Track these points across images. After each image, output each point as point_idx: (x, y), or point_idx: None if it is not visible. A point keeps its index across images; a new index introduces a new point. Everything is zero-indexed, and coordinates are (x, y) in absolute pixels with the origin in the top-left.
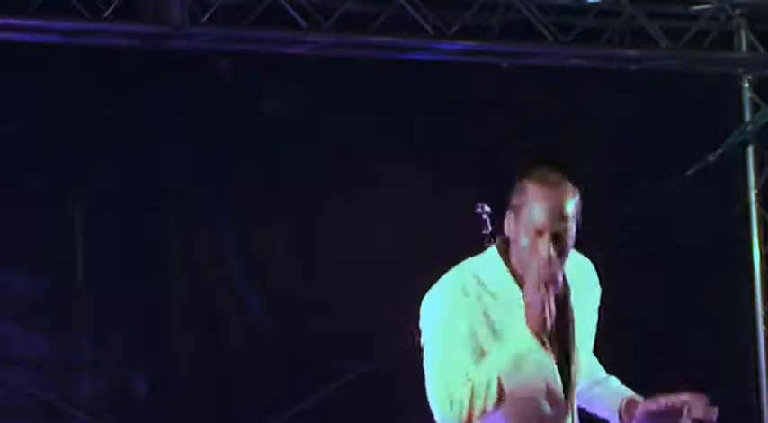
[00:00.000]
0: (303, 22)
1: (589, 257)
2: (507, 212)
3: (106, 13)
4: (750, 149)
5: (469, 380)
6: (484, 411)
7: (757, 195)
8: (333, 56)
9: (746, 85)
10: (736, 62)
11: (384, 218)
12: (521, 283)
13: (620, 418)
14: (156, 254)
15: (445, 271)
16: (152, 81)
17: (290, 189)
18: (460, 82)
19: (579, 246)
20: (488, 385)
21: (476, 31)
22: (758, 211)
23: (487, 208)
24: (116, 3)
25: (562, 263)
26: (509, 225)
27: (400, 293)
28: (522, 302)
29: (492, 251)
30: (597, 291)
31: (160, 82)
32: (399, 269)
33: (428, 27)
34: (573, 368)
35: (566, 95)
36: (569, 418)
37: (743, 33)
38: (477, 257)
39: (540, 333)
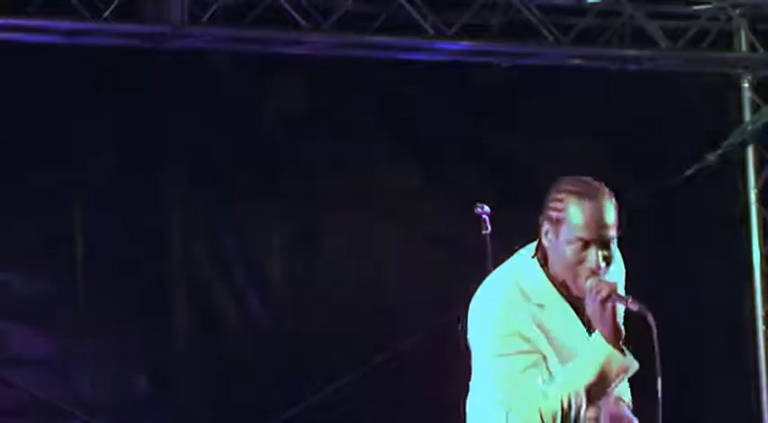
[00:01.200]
0: (303, 22)
1: None
2: (544, 224)
3: (106, 14)
4: (750, 149)
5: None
6: None
7: (757, 195)
8: (333, 56)
9: (746, 85)
10: (736, 62)
11: (384, 218)
12: (563, 294)
13: None
14: (157, 254)
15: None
16: (152, 81)
17: (290, 189)
18: (460, 82)
19: None
20: (576, 396)
21: (476, 31)
22: (758, 211)
23: (487, 208)
24: (116, 3)
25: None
26: (547, 233)
27: (400, 293)
28: (569, 312)
29: (531, 264)
30: (623, 276)
31: (160, 82)
32: (398, 269)
33: (428, 27)
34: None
35: (566, 95)
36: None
37: (743, 33)
38: (514, 265)
39: (616, 343)
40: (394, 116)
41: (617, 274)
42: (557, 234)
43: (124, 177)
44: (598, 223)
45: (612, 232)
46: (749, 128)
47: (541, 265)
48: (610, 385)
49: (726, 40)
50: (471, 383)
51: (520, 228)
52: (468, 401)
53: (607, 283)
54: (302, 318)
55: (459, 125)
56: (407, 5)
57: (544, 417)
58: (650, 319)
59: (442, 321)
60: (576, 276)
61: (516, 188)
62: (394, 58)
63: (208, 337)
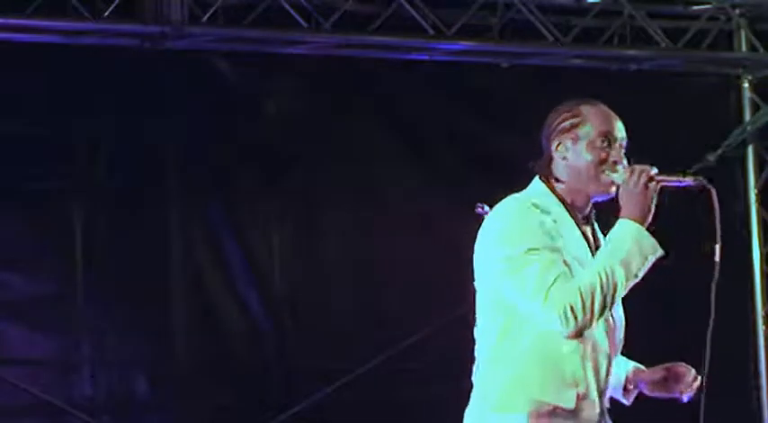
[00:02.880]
0: (303, 22)
1: None
2: (554, 139)
3: (106, 13)
4: (750, 149)
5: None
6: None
7: (757, 195)
8: (333, 56)
9: (746, 85)
10: (736, 62)
11: (383, 218)
12: (568, 210)
13: (625, 386)
14: (156, 254)
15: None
16: (152, 81)
17: (290, 189)
18: (460, 82)
19: None
20: (612, 272)
21: (476, 31)
22: (758, 211)
23: (487, 208)
24: (116, 3)
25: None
26: (559, 147)
27: (400, 293)
28: (575, 227)
29: (538, 183)
30: None
31: (160, 82)
32: (399, 269)
33: (428, 27)
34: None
35: (566, 95)
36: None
37: (743, 33)
38: (524, 191)
39: (645, 224)
40: (394, 116)
41: None
42: (575, 140)
43: (124, 177)
44: (616, 123)
45: (625, 137)
46: (749, 128)
47: (549, 185)
48: (641, 266)
49: (726, 40)
50: (480, 321)
51: None
52: (479, 343)
53: (646, 168)
54: (302, 318)
55: (460, 125)
56: (407, 5)
57: (583, 293)
58: (711, 189)
59: (442, 321)
60: (596, 176)
61: (516, 188)
62: (394, 58)
63: (208, 338)
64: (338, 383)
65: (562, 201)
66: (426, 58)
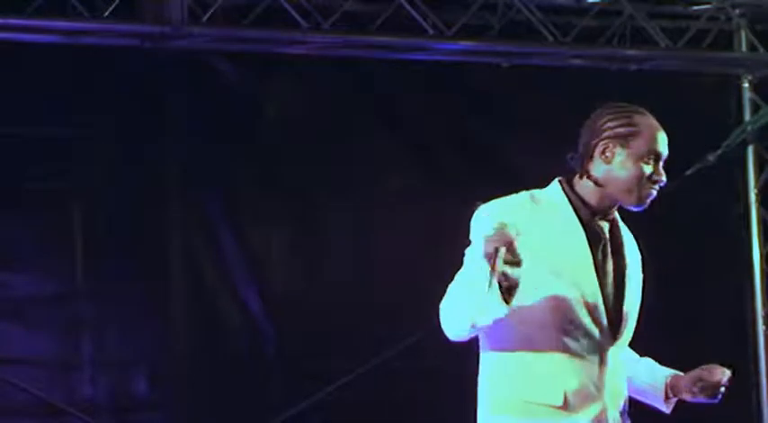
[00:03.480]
0: (303, 22)
1: None
2: (607, 140)
3: (106, 14)
4: (750, 149)
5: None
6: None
7: (757, 195)
8: (333, 56)
9: (746, 85)
10: (736, 62)
11: (383, 218)
12: (578, 213)
13: (667, 394)
14: (156, 254)
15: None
16: (152, 81)
17: (290, 189)
18: (460, 82)
19: None
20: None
21: (476, 31)
22: (758, 211)
23: None
24: (116, 3)
25: None
26: (608, 151)
27: (400, 293)
28: (578, 230)
29: (554, 184)
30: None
31: (160, 82)
32: (399, 269)
33: (428, 27)
34: (624, 308)
35: (566, 95)
36: (610, 356)
37: (743, 33)
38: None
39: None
40: (394, 116)
41: (635, 261)
42: (624, 149)
43: (124, 177)
44: (662, 140)
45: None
46: (749, 128)
47: (563, 184)
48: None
49: (726, 40)
50: None
51: None
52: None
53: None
54: (302, 318)
55: (459, 125)
56: (407, 5)
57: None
58: None
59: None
60: (635, 190)
61: (516, 188)
62: (394, 58)
63: (208, 338)
64: (338, 383)
65: (572, 200)
66: (426, 57)
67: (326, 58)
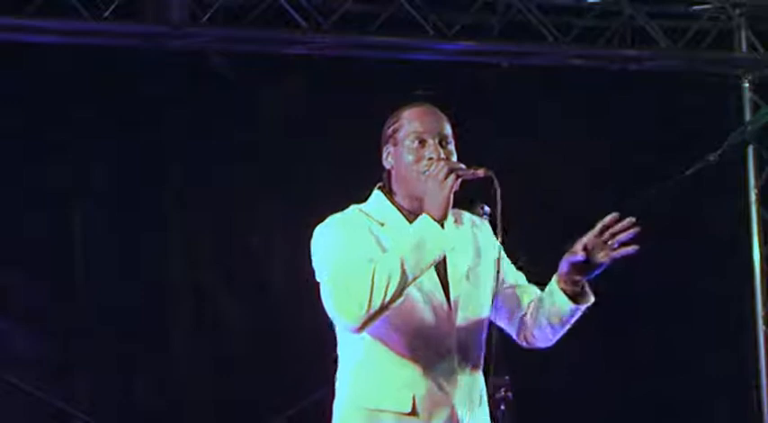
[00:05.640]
0: (303, 22)
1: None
2: (383, 147)
3: (106, 14)
4: (750, 149)
5: (372, 266)
6: (385, 306)
7: (757, 195)
8: (333, 56)
9: (746, 85)
10: (736, 62)
11: None
12: (407, 217)
13: (563, 288)
14: (157, 254)
15: None
16: (152, 81)
17: (291, 189)
18: (461, 82)
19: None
20: (390, 274)
21: (476, 31)
22: (758, 211)
23: (487, 208)
24: (116, 3)
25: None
26: (387, 155)
27: None
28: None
29: (375, 192)
30: (496, 244)
31: (160, 82)
32: None
33: (428, 27)
34: (452, 292)
35: (566, 95)
36: (452, 339)
37: (743, 33)
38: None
39: (441, 221)
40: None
41: (491, 248)
42: (395, 143)
43: (124, 177)
44: (432, 120)
45: (449, 140)
46: (749, 128)
47: (385, 194)
48: (426, 260)
49: (726, 40)
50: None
51: (520, 227)
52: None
53: (447, 161)
54: (302, 318)
55: (459, 125)
56: (407, 5)
57: (354, 288)
58: (495, 180)
59: None
60: (418, 177)
61: (516, 187)
62: (394, 58)
63: (208, 337)
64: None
65: (398, 207)
66: (426, 57)
67: (326, 58)
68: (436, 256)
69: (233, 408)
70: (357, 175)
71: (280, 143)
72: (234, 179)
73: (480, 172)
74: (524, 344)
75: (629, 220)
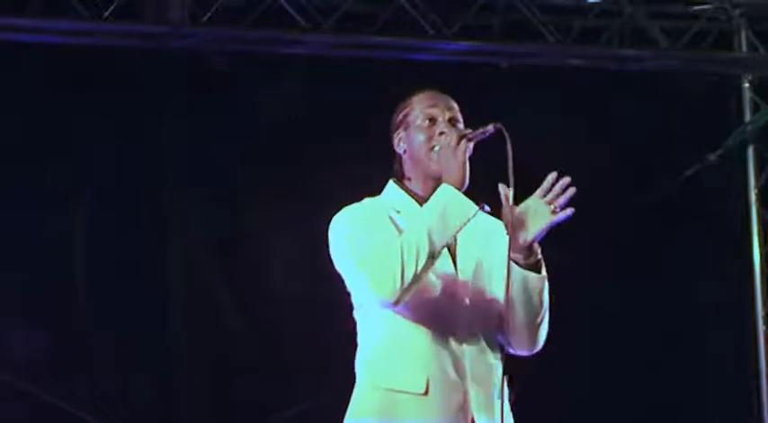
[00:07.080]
0: (303, 22)
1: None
2: (394, 134)
3: (106, 14)
4: (750, 149)
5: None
6: (418, 277)
7: (757, 195)
8: (333, 56)
9: (746, 85)
10: (736, 62)
11: None
12: (421, 204)
13: (520, 253)
14: (156, 254)
15: None
16: (152, 81)
17: (291, 189)
18: (461, 82)
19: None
20: (419, 245)
21: (476, 31)
22: (758, 211)
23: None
24: (116, 3)
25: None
26: (399, 141)
27: None
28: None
29: (389, 183)
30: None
31: (160, 82)
32: None
33: (428, 27)
34: (462, 275)
35: (566, 95)
36: (467, 323)
37: (743, 33)
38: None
39: (460, 188)
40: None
41: (501, 244)
42: (407, 127)
43: (124, 177)
44: (441, 100)
45: (457, 112)
46: (749, 128)
47: (398, 182)
48: (452, 227)
49: (726, 40)
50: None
51: None
52: None
53: (456, 129)
54: (302, 318)
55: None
56: (407, 5)
57: (386, 264)
58: (504, 132)
59: None
60: (430, 155)
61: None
62: (394, 58)
63: (208, 337)
64: (338, 383)
65: (411, 195)
66: (426, 57)
67: (326, 58)
68: (461, 222)
69: (233, 408)
70: (357, 175)
71: (280, 143)
72: (234, 179)
73: (489, 128)
74: (510, 350)
75: (566, 179)
